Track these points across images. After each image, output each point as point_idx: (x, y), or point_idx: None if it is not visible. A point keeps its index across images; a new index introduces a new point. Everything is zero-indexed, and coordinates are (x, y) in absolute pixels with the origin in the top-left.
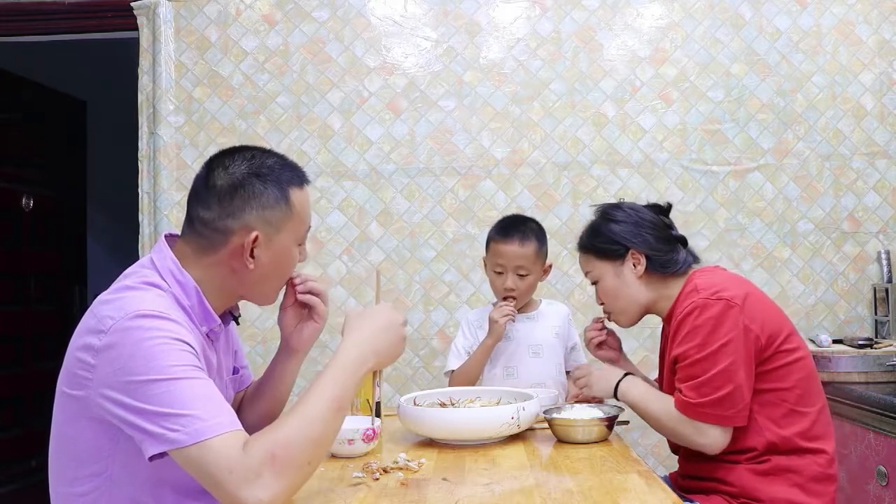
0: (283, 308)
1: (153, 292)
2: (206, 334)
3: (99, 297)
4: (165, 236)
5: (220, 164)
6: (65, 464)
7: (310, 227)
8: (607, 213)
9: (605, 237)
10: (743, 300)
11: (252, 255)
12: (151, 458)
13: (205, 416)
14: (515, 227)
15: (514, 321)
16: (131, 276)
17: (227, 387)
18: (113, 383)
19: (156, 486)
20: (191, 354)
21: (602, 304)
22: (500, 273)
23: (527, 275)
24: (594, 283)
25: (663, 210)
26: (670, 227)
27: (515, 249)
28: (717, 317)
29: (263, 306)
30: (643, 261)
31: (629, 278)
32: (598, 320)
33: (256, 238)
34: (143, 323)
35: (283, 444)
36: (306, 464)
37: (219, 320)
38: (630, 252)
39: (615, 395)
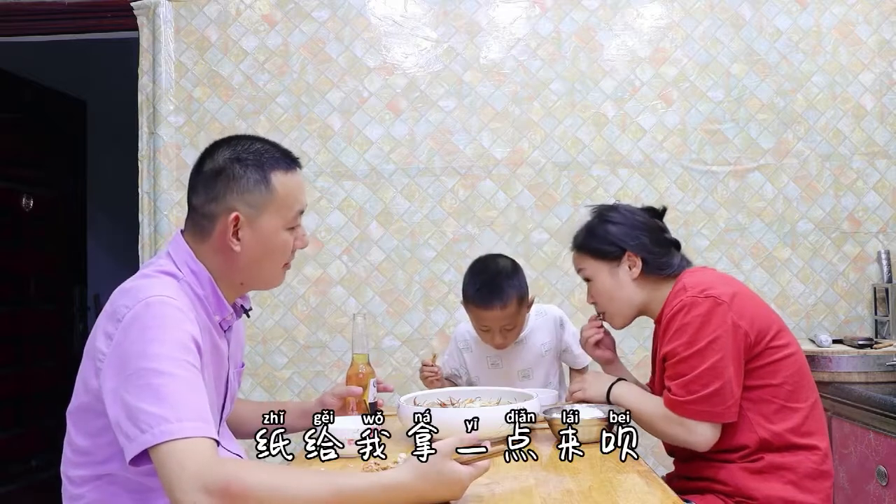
0: (335, 396)
1: (166, 280)
2: (219, 323)
3: (119, 287)
4: (180, 231)
5: (209, 153)
6: (84, 417)
7: (302, 211)
8: (604, 214)
9: (602, 238)
10: (731, 298)
11: (237, 238)
12: (131, 463)
13: (172, 417)
14: (492, 291)
15: (436, 382)
16: (148, 266)
17: (234, 379)
18: (112, 371)
19: None
20: (187, 347)
21: (593, 302)
22: (486, 331)
23: (514, 328)
24: (587, 280)
25: (658, 213)
26: (664, 230)
27: (497, 314)
28: (705, 314)
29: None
30: (639, 263)
31: (624, 280)
32: (594, 318)
33: (237, 218)
34: (149, 311)
35: (243, 486)
36: None
37: (231, 310)
38: (626, 254)
39: (608, 400)
